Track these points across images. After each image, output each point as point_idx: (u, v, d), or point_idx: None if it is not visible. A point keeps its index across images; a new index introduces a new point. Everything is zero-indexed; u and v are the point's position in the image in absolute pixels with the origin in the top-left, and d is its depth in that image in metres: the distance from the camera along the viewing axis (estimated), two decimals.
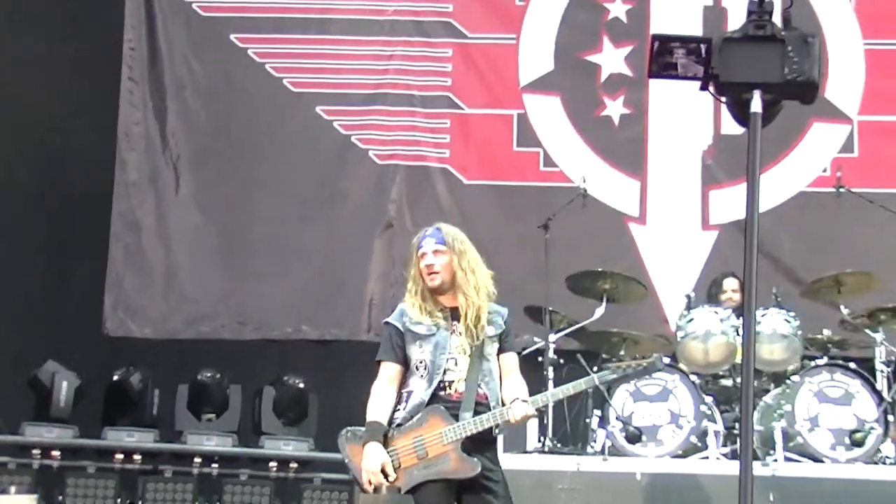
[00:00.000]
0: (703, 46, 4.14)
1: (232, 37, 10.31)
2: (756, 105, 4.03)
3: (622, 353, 8.20)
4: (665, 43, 4.17)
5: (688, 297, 8.38)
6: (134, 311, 9.95)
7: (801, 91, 4.09)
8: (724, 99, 4.20)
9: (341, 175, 10.33)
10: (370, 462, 5.19)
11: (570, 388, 5.66)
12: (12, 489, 7.74)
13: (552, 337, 8.18)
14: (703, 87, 4.19)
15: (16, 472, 7.94)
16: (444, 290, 5.42)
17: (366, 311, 9.95)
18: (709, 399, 7.74)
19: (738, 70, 4.10)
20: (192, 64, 10.37)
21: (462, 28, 10.38)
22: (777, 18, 4.14)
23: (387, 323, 5.55)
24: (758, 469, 7.08)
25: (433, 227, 5.59)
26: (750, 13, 4.15)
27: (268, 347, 10.01)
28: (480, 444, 5.25)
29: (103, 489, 8.18)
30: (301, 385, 9.14)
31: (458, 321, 5.41)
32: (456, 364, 5.40)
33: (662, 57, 4.20)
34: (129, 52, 10.26)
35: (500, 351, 5.52)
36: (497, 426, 5.33)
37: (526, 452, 7.90)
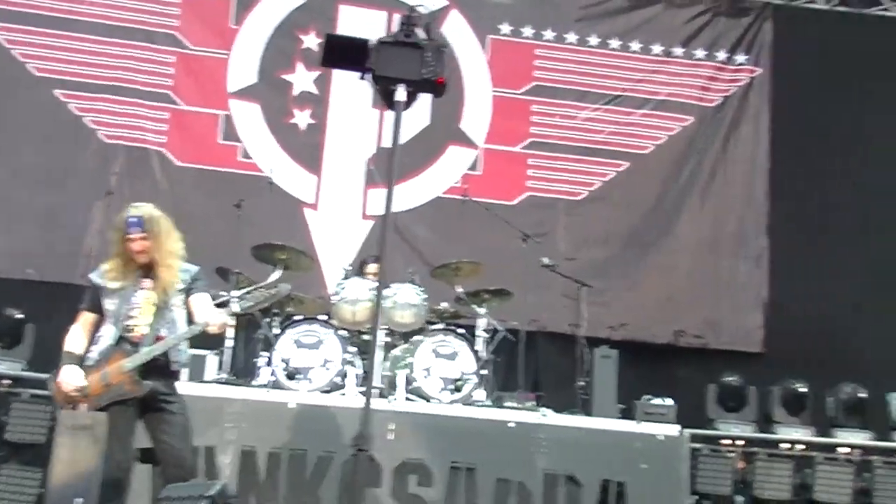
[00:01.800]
0: (364, 46, 4.61)
1: None
2: (400, 95, 4.56)
3: (289, 309, 8.94)
4: (336, 41, 4.76)
5: (345, 270, 9.06)
6: None
7: (433, 88, 4.64)
8: (377, 86, 4.68)
9: (72, 149, 10.80)
10: (65, 379, 5.83)
11: (193, 329, 6.02)
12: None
13: (235, 293, 8.13)
14: (362, 77, 4.64)
15: None
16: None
17: (82, 261, 10.12)
18: (353, 349, 8.41)
19: (388, 67, 4.55)
20: None
21: (185, 40, 11.16)
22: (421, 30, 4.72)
23: (89, 278, 6.13)
24: (384, 404, 8.00)
25: (137, 215, 5.99)
26: (401, 24, 4.63)
27: None
28: (156, 373, 5.88)
29: None
30: (18, 316, 9.27)
31: (149, 279, 6.00)
32: (141, 313, 5.96)
33: (333, 52, 4.70)
34: None
35: (189, 295, 6.06)
36: (173, 362, 5.99)
37: (204, 382, 8.41)
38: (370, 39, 4.57)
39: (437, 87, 4.64)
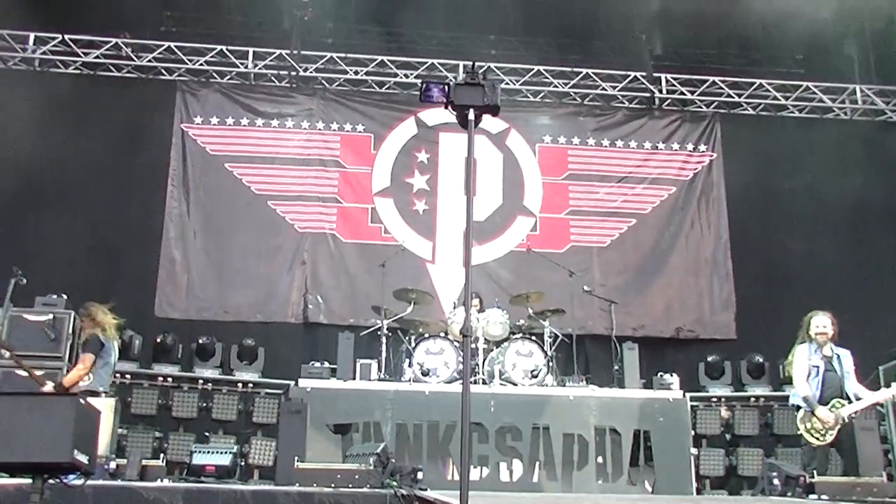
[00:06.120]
0: (447, 87, 4.39)
1: (225, 164, 11.01)
2: (471, 116, 4.37)
3: (420, 330, 8.69)
4: (428, 84, 4.45)
5: (454, 302, 9.33)
6: (171, 304, 10.48)
7: (492, 110, 4.39)
8: (454, 112, 4.39)
9: (278, 236, 10.92)
10: None
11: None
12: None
13: (385, 322, 8.73)
14: (446, 107, 4.39)
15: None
16: None
17: (289, 307, 10.60)
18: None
19: (459, 98, 4.35)
20: (203, 177, 10.95)
21: (343, 163, 11.25)
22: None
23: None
24: (485, 389, 7.99)
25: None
26: (466, 73, 4.47)
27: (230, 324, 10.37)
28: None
29: (152, 396, 8.40)
30: (252, 343, 9.56)
31: None
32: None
33: (427, 92, 4.43)
34: (172, 171, 10.88)
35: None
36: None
37: (370, 380, 8.23)
38: (451, 82, 4.36)
39: (493, 110, 4.37)
